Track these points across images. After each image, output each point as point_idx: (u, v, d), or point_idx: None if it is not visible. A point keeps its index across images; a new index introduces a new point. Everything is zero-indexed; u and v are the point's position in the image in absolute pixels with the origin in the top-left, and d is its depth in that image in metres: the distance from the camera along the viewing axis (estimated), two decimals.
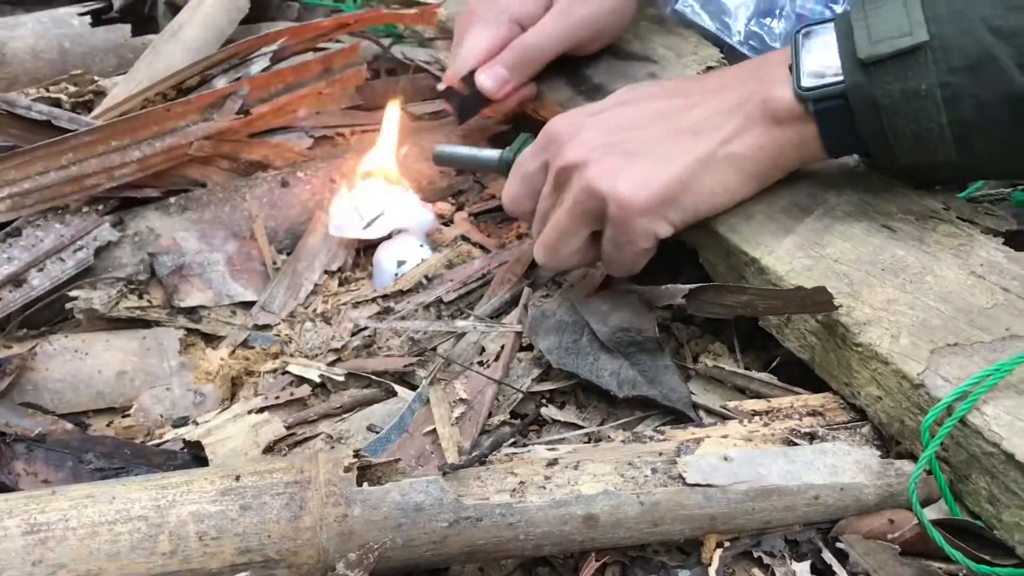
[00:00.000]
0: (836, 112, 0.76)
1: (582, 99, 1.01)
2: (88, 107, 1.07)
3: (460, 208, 1.09)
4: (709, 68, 1.02)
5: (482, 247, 1.03)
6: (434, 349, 0.89)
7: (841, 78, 0.75)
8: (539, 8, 1.02)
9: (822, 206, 0.83)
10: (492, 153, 0.98)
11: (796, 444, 0.72)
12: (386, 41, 1.16)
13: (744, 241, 0.81)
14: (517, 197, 0.88)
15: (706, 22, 1.06)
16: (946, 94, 0.72)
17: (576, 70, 1.05)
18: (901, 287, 0.75)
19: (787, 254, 0.79)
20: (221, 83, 1.02)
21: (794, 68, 0.77)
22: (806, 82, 0.76)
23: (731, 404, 0.78)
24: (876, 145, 0.77)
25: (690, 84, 0.86)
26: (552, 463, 0.70)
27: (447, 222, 1.06)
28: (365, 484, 0.65)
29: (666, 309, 0.89)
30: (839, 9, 1.05)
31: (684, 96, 0.83)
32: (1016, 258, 0.77)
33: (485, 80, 1.01)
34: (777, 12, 1.04)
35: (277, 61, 1.06)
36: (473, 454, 0.73)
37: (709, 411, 0.80)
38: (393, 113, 1.02)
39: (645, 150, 0.80)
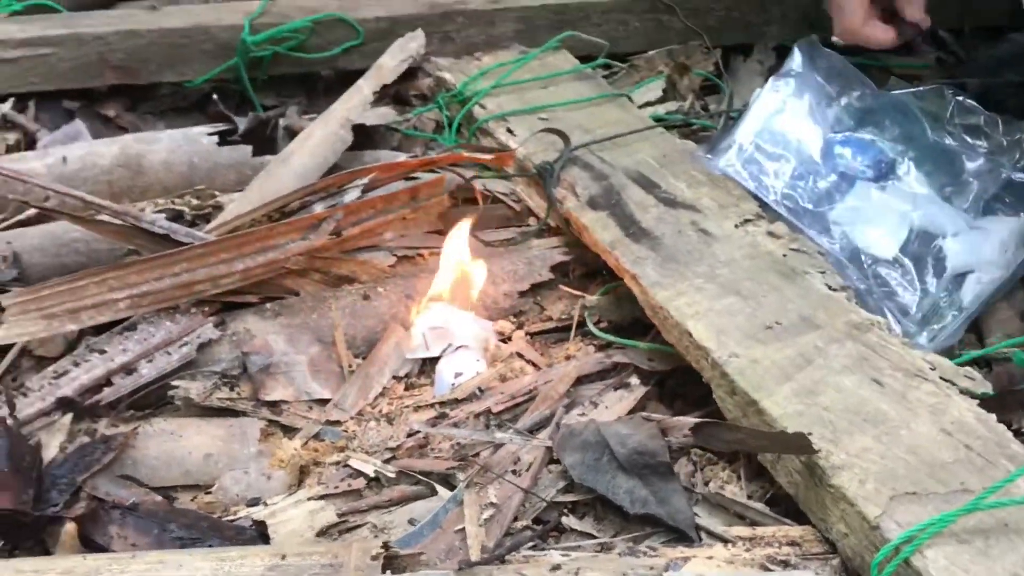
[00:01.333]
0: None
1: (630, 240, 1.13)
2: (207, 219, 1.24)
3: (520, 327, 1.22)
4: (747, 220, 1.14)
5: (534, 364, 1.15)
6: (476, 455, 1.01)
7: None
8: None
9: (823, 358, 0.94)
10: None
11: (770, 570, 0.82)
12: (469, 173, 1.31)
13: (748, 384, 0.92)
14: None
15: (746, 181, 1.18)
16: None
17: (626, 213, 1.18)
18: (877, 438, 0.85)
19: (784, 399, 0.90)
20: (319, 208, 1.17)
21: None
22: None
23: (724, 528, 0.89)
24: None
25: None
26: (556, 568, 0.82)
27: (506, 339, 1.19)
28: (388, 572, 0.78)
29: (684, 436, 1.00)
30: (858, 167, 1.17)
31: None
32: (984, 419, 0.86)
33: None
34: (811, 178, 1.17)
35: (369, 189, 1.22)
36: (493, 553, 0.85)
37: (710, 533, 0.91)
38: (460, 235, 1.16)
39: None
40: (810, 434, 0.85)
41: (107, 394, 1.03)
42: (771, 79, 1.25)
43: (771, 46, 1.63)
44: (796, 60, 1.24)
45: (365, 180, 1.19)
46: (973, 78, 1.48)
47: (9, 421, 0.96)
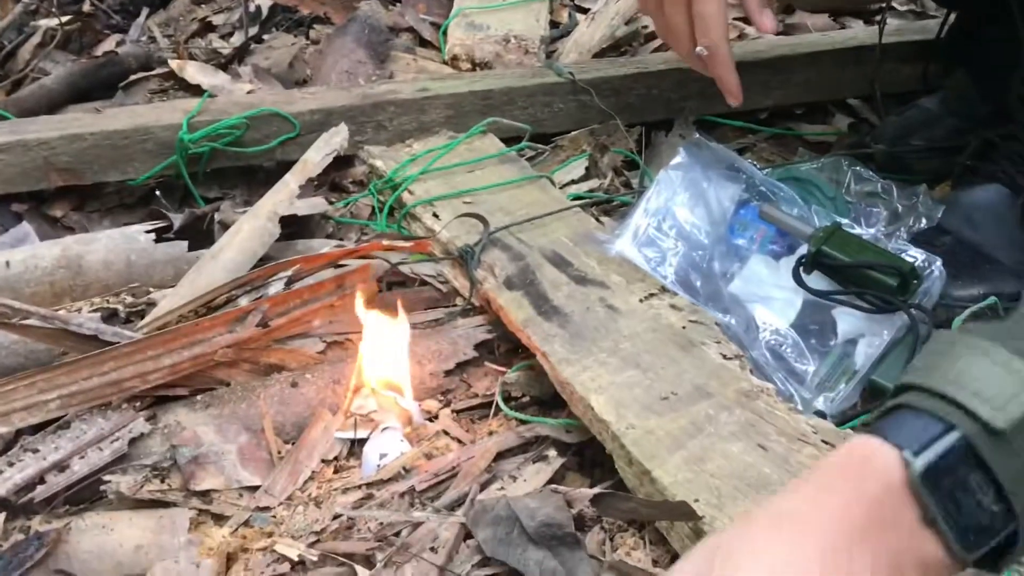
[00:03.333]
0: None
1: (541, 319, 1.19)
2: (141, 315, 1.29)
3: (447, 405, 1.26)
4: (652, 295, 1.20)
5: (459, 441, 1.20)
6: (396, 535, 1.06)
7: (1011, 525, 0.64)
8: None
9: (713, 425, 0.99)
10: (806, 228, 1.23)
11: None
12: (395, 258, 1.36)
13: (643, 454, 0.97)
14: None
15: (643, 265, 1.24)
16: None
17: (539, 292, 1.23)
18: (758, 501, 0.90)
19: (674, 468, 0.95)
20: (244, 301, 1.23)
21: (943, 528, 0.64)
22: (972, 549, 0.64)
23: None
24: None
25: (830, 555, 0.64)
26: None
27: (433, 417, 1.24)
28: None
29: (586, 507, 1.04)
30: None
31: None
32: None
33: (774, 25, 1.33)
34: (704, 259, 1.23)
35: (296, 279, 1.27)
36: None
37: None
38: (375, 323, 1.21)
39: None
40: (696, 501, 0.90)
41: (40, 492, 1.07)
42: (662, 170, 1.32)
43: (691, 120, 1.70)
44: (683, 154, 1.31)
45: (289, 272, 1.24)
46: (880, 144, 1.55)
47: None
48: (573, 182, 1.59)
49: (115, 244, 1.40)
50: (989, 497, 0.64)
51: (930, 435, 0.64)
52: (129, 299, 1.30)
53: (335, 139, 1.51)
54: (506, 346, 1.31)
